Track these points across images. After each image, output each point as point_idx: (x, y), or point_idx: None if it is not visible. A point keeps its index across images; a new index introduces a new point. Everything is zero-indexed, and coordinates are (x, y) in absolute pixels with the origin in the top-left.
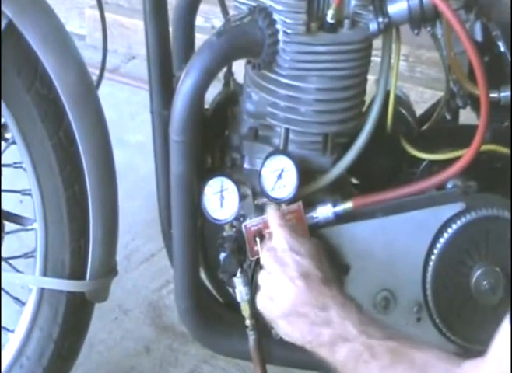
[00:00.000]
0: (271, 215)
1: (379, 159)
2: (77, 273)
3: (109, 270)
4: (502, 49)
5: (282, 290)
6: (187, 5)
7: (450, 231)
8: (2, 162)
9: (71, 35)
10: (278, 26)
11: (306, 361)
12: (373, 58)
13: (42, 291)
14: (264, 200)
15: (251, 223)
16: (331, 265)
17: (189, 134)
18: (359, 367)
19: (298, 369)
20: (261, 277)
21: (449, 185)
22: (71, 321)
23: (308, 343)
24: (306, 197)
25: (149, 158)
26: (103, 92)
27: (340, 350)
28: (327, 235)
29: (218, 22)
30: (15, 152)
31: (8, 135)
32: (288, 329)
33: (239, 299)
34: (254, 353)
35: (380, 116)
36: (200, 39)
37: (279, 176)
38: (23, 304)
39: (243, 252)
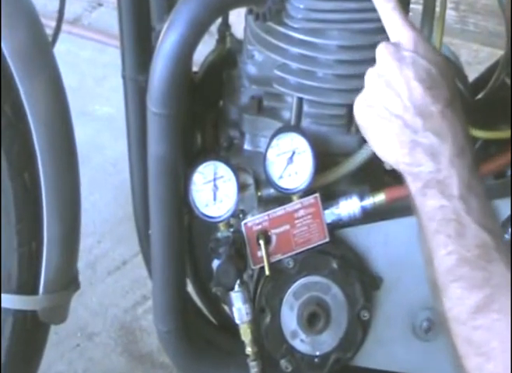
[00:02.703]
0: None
1: None
2: (27, 287)
3: (68, 282)
4: None
5: (391, 91)
6: None
7: (511, 232)
8: None
9: None
10: None
11: None
12: (412, 6)
13: None
14: (270, 191)
15: (253, 221)
16: (360, 278)
17: (173, 105)
18: (437, 237)
19: None
20: (369, 76)
21: (510, 172)
22: (19, 347)
23: (402, 164)
24: (325, 188)
25: (119, 136)
26: (61, 50)
27: (430, 198)
28: (353, 236)
29: None
30: None
31: None
32: (384, 140)
33: (237, 320)
34: None
35: None
36: None
37: (290, 160)
38: None
39: (242, 259)
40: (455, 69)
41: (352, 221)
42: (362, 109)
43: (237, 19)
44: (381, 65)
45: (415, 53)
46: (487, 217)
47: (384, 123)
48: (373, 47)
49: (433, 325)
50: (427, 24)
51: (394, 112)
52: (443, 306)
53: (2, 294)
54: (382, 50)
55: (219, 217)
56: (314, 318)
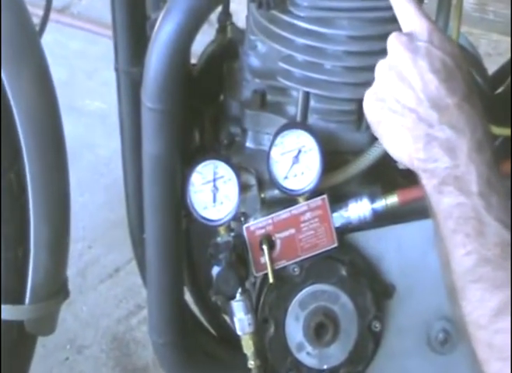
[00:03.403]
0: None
1: None
2: (13, 295)
3: (57, 290)
4: None
5: (403, 83)
6: None
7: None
8: None
9: None
10: None
11: None
12: None
13: None
14: (274, 192)
15: (256, 224)
16: (371, 286)
17: (169, 99)
18: (455, 236)
19: None
20: (379, 68)
21: None
22: (4, 361)
23: (416, 160)
24: (333, 189)
25: (112, 133)
26: (49, 41)
27: (447, 196)
28: (363, 241)
29: None
30: None
31: None
32: (396, 135)
33: (239, 331)
34: None
35: None
36: None
37: (296, 159)
38: None
39: (244, 266)
40: (473, 61)
41: (363, 225)
42: (372, 104)
43: (239, 6)
44: (393, 56)
45: (430, 43)
46: (508, 214)
47: (395, 117)
48: (385, 37)
49: (450, 337)
50: (444, 12)
51: (407, 105)
52: (462, 310)
53: None
54: (394, 41)
55: (219, 220)
56: (322, 329)
